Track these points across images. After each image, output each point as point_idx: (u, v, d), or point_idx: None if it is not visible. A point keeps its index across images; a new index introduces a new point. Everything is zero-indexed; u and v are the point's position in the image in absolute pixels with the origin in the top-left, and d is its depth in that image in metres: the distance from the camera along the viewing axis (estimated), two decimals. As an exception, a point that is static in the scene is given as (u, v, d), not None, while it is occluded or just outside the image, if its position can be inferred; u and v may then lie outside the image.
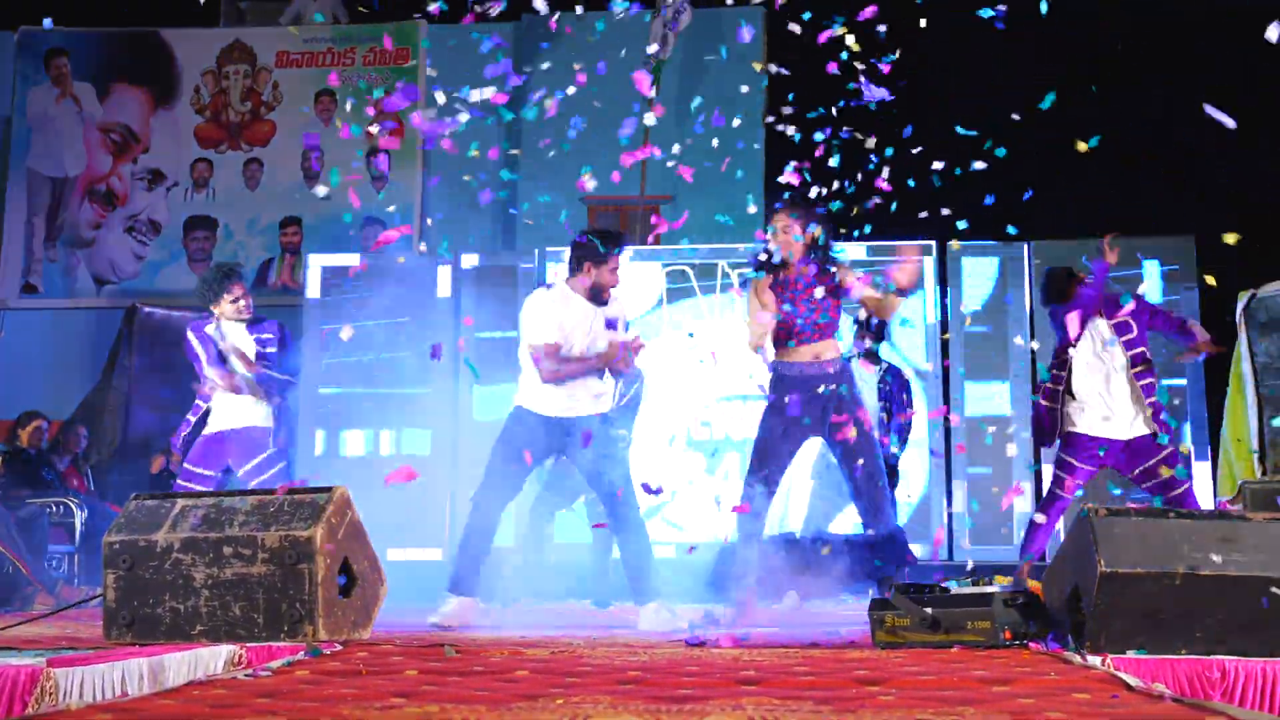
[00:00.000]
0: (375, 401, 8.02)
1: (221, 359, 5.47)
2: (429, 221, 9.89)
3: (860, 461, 4.42)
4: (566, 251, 8.41)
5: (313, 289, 8.24)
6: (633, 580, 4.57)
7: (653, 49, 9.06)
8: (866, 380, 6.30)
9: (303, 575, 3.36)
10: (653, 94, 9.28)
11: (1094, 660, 2.83)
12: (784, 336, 4.54)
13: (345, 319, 8.13)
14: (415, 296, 8.11)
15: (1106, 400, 5.27)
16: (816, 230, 4.56)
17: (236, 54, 10.29)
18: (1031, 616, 3.37)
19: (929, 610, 3.41)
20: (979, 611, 3.32)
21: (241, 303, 5.52)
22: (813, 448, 5.29)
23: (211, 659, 2.93)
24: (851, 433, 4.41)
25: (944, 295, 7.87)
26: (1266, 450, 6.46)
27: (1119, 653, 2.95)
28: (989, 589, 3.45)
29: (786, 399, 4.46)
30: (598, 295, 4.65)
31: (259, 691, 2.32)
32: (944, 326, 7.80)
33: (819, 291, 4.51)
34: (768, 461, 4.48)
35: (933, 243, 7.94)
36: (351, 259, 8.50)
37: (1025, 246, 7.89)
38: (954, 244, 7.91)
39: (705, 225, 9.47)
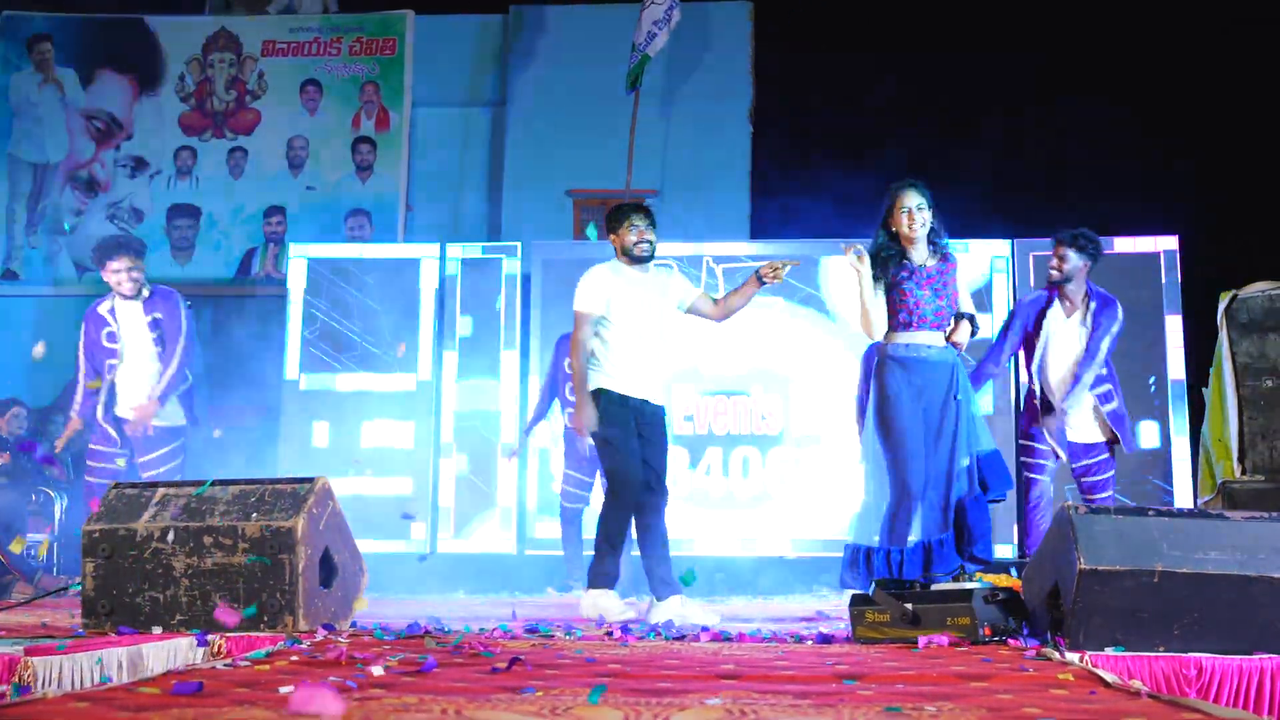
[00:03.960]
0: (358, 393, 7.99)
1: (111, 339, 5.58)
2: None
3: (952, 457, 4.34)
4: (553, 243, 8.43)
5: (296, 279, 8.21)
6: (652, 572, 4.64)
7: (640, 42, 9.04)
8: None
9: (283, 565, 3.35)
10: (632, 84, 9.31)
11: (1072, 657, 2.85)
12: (906, 319, 4.43)
13: (329, 309, 8.13)
14: (399, 288, 8.09)
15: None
16: (931, 213, 4.45)
17: (222, 42, 10.24)
18: (1011, 613, 3.39)
19: (909, 606, 3.42)
20: (959, 607, 3.34)
21: (122, 275, 5.58)
22: None
23: (191, 649, 2.92)
24: (949, 427, 4.35)
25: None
26: (1246, 450, 6.50)
27: (1097, 649, 2.96)
28: (969, 585, 3.47)
29: (907, 385, 4.37)
30: (633, 257, 4.76)
31: (238, 681, 2.32)
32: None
33: (938, 282, 4.43)
34: (910, 458, 4.34)
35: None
36: (336, 249, 8.48)
37: (1010, 244, 7.91)
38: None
39: (691, 219, 9.48)
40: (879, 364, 4.46)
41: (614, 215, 4.83)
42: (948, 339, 4.45)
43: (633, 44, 9.28)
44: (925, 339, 4.41)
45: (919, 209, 4.44)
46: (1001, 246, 7.89)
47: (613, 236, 4.80)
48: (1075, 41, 9.03)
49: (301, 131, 10.05)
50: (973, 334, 4.49)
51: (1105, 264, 7.64)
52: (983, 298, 7.76)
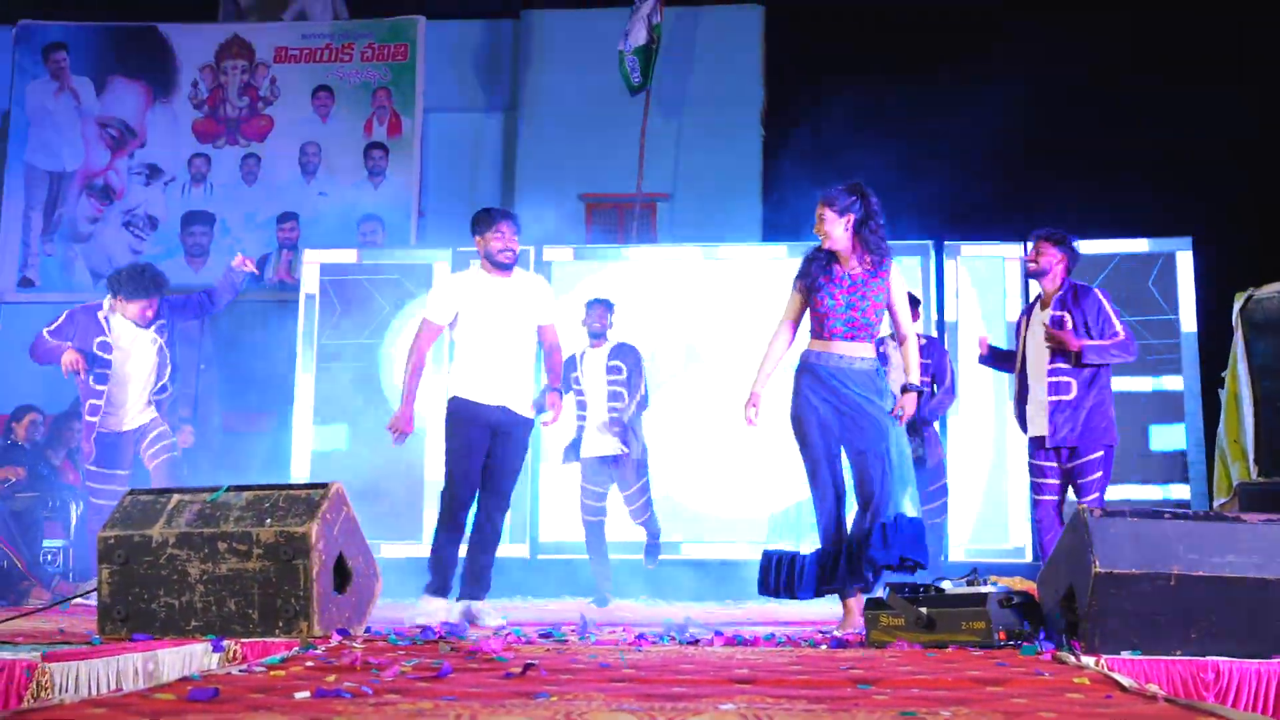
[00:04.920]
0: (368, 397, 8.02)
1: (103, 348, 5.56)
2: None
3: (866, 454, 4.28)
4: (563, 250, 8.46)
5: (309, 285, 8.23)
6: (470, 578, 4.71)
7: (635, 37, 9.09)
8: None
9: (297, 571, 3.36)
10: (639, 84, 9.32)
11: (1088, 660, 2.84)
12: (818, 328, 4.41)
13: (341, 315, 8.15)
14: (410, 295, 8.11)
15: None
16: (850, 219, 4.38)
17: (235, 49, 10.29)
18: (1026, 617, 3.37)
19: (924, 610, 3.41)
20: (974, 611, 3.33)
21: (150, 313, 5.63)
22: None
23: (206, 654, 2.93)
24: (867, 428, 4.29)
25: (940, 297, 7.86)
26: (1262, 451, 6.46)
27: (1113, 653, 2.95)
28: (984, 589, 3.45)
29: (815, 392, 4.35)
30: (495, 263, 4.72)
31: (254, 687, 2.32)
32: (940, 327, 7.79)
33: (857, 291, 4.36)
34: (820, 462, 4.34)
35: (929, 242, 7.94)
36: (349, 254, 8.50)
37: (1023, 246, 7.88)
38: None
39: (702, 222, 9.48)
40: (797, 370, 4.46)
41: (481, 218, 4.76)
42: (891, 412, 4.35)
43: (625, 38, 9.33)
44: (839, 349, 4.35)
45: (821, 219, 4.42)
46: (1013, 249, 7.86)
47: (478, 239, 4.74)
48: (1085, 46, 9.00)
49: (314, 138, 10.09)
50: (921, 398, 4.36)
51: (1120, 265, 7.65)
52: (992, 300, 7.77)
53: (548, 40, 10.17)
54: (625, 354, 6.44)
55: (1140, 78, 8.73)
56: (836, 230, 4.39)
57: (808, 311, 4.48)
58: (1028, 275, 5.41)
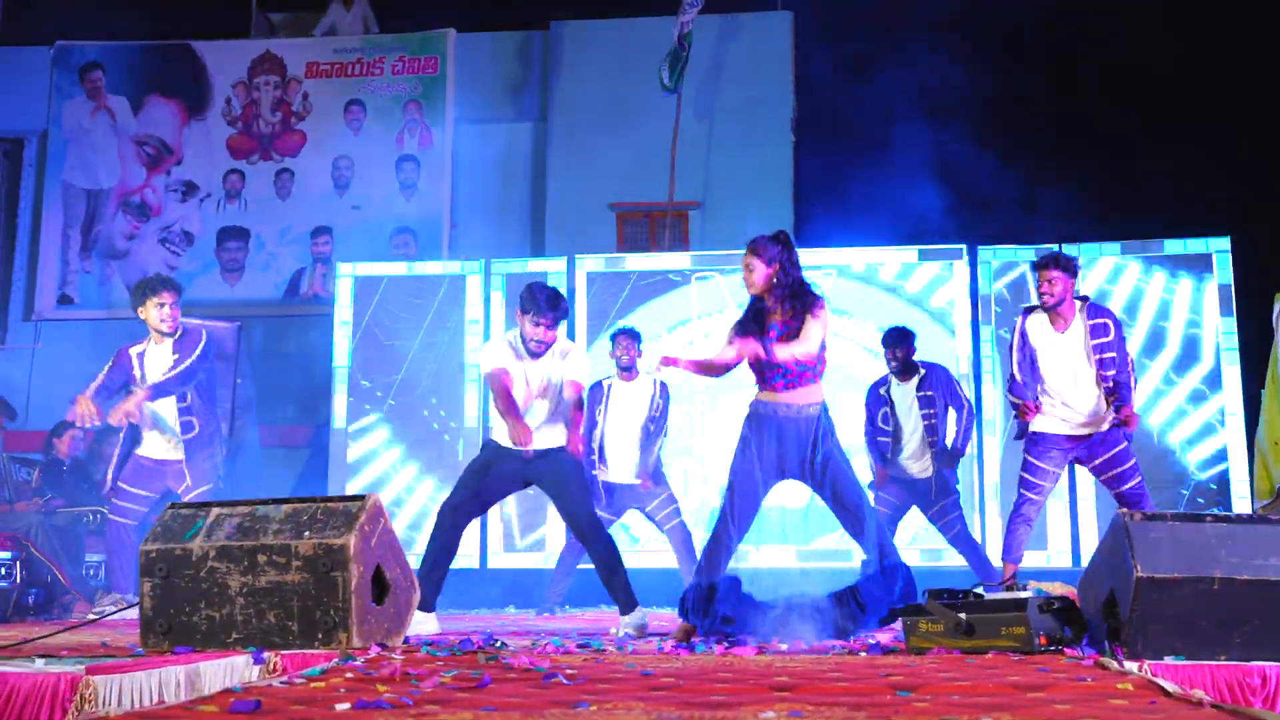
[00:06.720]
0: (404, 408, 8.06)
1: (125, 386, 5.59)
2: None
3: (844, 499, 4.31)
4: (592, 258, 8.46)
5: (343, 298, 8.29)
6: (609, 590, 4.78)
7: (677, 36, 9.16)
8: (904, 395, 6.14)
9: (336, 583, 3.38)
10: (671, 84, 9.34)
11: (1131, 666, 2.81)
12: (761, 381, 4.39)
13: (375, 329, 8.20)
14: (443, 307, 8.15)
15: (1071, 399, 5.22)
16: (776, 267, 4.31)
17: (267, 65, 10.39)
18: (1067, 622, 3.34)
19: (962, 616, 3.39)
20: (1013, 617, 3.30)
21: (166, 310, 5.63)
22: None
23: (247, 666, 2.95)
24: (831, 475, 4.30)
25: (975, 301, 7.81)
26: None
27: (1156, 658, 2.92)
28: (1023, 594, 3.42)
29: (758, 439, 4.32)
30: (526, 344, 4.75)
31: (295, 699, 2.34)
32: (975, 333, 7.74)
33: (790, 339, 4.30)
34: (737, 500, 4.34)
35: (963, 246, 7.89)
36: (382, 267, 8.55)
37: (1056, 249, 7.82)
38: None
39: (734, 230, 9.47)
40: (746, 419, 4.43)
41: (525, 296, 4.77)
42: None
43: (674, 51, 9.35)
44: (785, 399, 4.32)
45: (750, 268, 4.37)
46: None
47: (519, 314, 4.77)
48: (1120, 45, 8.93)
49: (346, 152, 10.17)
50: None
51: (1157, 266, 7.58)
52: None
53: (577, 50, 10.21)
54: (665, 392, 6.38)
55: (1180, 75, 8.65)
56: (763, 280, 4.36)
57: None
58: (1046, 309, 5.28)
